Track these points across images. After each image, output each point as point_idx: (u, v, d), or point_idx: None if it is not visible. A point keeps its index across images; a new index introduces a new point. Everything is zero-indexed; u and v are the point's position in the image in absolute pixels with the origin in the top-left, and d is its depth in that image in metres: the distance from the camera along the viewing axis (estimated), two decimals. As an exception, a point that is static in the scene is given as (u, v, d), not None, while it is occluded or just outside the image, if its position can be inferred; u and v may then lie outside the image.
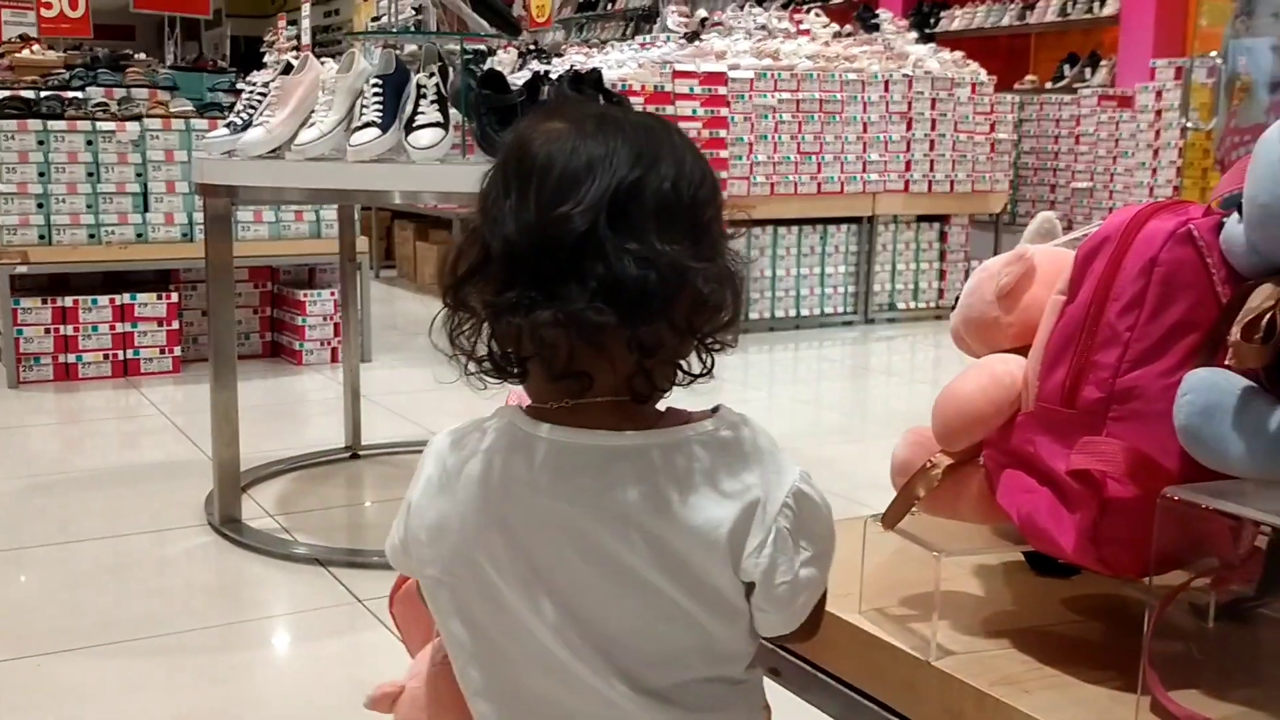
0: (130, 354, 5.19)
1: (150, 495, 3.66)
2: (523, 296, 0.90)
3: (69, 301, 5.07)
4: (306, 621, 2.85)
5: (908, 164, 6.76)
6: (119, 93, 5.67)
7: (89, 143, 5.11)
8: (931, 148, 6.82)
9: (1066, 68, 9.04)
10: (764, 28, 7.42)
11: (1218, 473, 0.87)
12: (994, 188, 7.10)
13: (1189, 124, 6.02)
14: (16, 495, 3.69)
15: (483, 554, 0.95)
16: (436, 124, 2.91)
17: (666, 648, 0.94)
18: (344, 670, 2.59)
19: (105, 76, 5.81)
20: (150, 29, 13.15)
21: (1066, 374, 0.96)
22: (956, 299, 1.14)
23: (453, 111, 2.97)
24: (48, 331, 5.04)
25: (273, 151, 3.08)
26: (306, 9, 4.06)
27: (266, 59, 9.15)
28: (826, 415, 5.05)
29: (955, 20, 9.88)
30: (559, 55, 8.22)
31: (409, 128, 2.92)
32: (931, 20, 10.00)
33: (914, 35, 7.83)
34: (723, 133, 6.15)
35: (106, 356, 5.15)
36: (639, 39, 8.51)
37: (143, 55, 6.91)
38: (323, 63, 3.28)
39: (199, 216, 4.71)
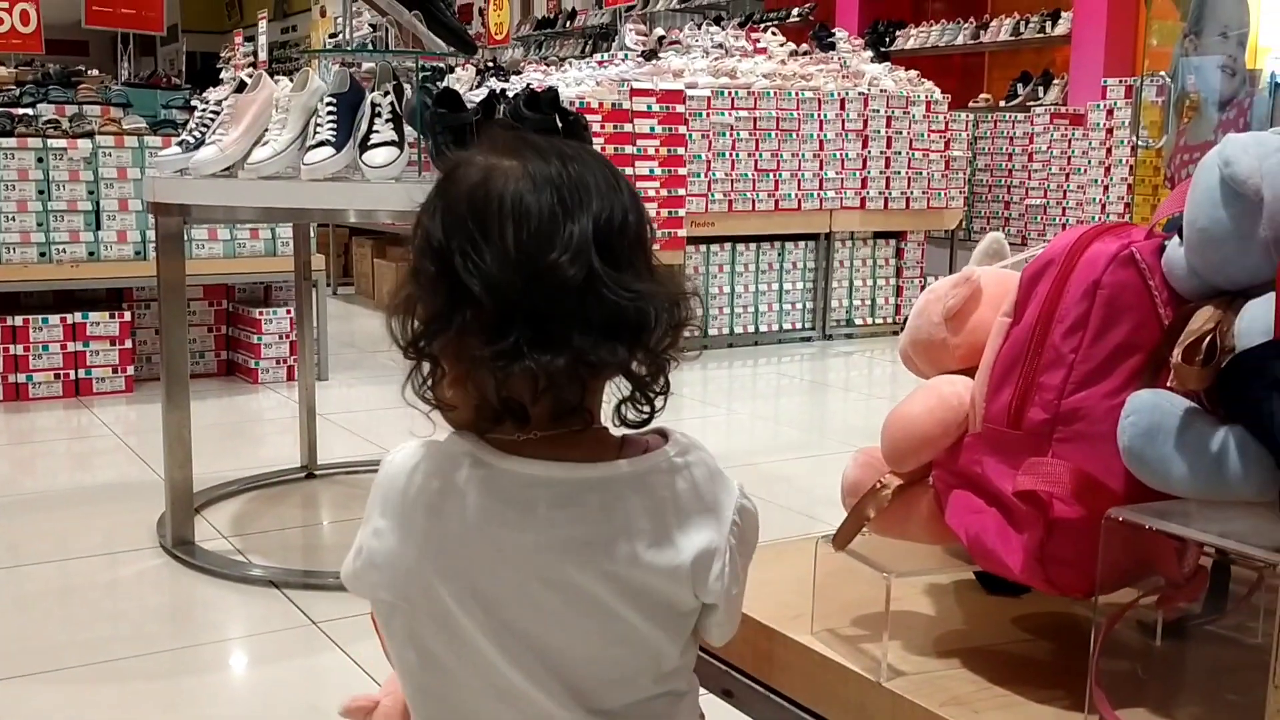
0: (82, 373, 5.12)
1: (101, 517, 3.61)
2: (524, 342, 0.89)
3: (19, 320, 5.00)
4: (261, 645, 2.82)
5: (864, 181, 6.81)
6: (71, 109, 5.61)
7: (40, 160, 5.05)
8: (887, 165, 6.88)
9: (1019, 86, 9.15)
10: (721, 46, 7.46)
11: (1162, 493, 0.88)
12: (949, 205, 7.16)
13: (1140, 142, 6.11)
14: (-36, 518, 3.63)
15: (440, 582, 0.94)
16: (391, 143, 2.90)
17: (621, 670, 0.96)
18: (299, 694, 2.56)
19: (56, 93, 5.76)
20: (104, 45, 13.03)
21: (1012, 395, 0.96)
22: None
23: (408, 130, 2.96)
24: (-3, 351, 4.98)
25: (226, 170, 3.05)
26: (263, 26, 4.04)
27: (223, 75, 9.09)
28: (785, 431, 5.07)
29: (910, 39, 9.99)
30: (517, 73, 8.23)
31: (364, 146, 2.90)
32: (887, 39, 10.10)
33: (869, 54, 7.90)
34: (680, 150, 6.17)
35: (58, 376, 5.08)
36: (597, 57, 8.54)
37: (95, 71, 6.85)
38: (277, 80, 3.26)
39: (152, 234, 4.66)
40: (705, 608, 0.98)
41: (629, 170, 5.90)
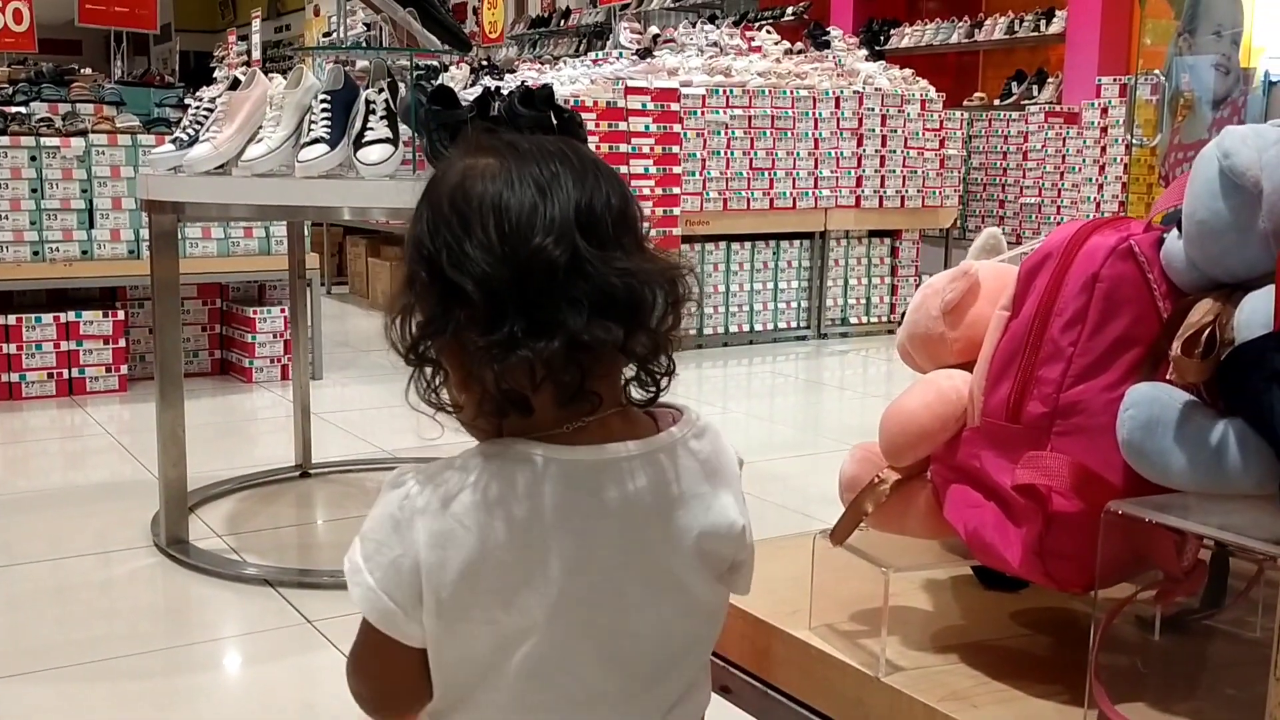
0: (75, 372, 5.11)
1: (95, 516, 3.60)
2: (519, 330, 0.90)
3: (12, 319, 4.98)
4: (256, 643, 2.81)
5: (859, 180, 6.81)
6: (64, 108, 5.60)
7: (33, 158, 5.03)
8: (882, 164, 6.88)
9: (1014, 85, 9.16)
10: (716, 45, 7.46)
11: (1161, 486, 0.87)
12: (944, 203, 7.17)
13: (1134, 140, 6.12)
14: (-43, 518, 3.62)
15: (528, 595, 0.93)
16: (386, 140, 2.89)
17: (689, 643, 1.01)
18: (295, 693, 2.56)
19: (50, 91, 5.75)
20: (97, 44, 12.99)
21: (1011, 389, 0.96)
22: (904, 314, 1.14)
23: (402, 127, 2.96)
24: (-10, 350, 4.96)
25: (220, 168, 3.05)
26: (257, 24, 4.03)
27: (217, 74, 9.08)
28: (780, 430, 5.07)
29: (905, 38, 9.99)
30: (511, 71, 8.22)
31: (358, 144, 2.90)
32: (881, 38, 10.11)
33: (864, 53, 7.90)
34: (675, 149, 6.17)
35: (51, 375, 5.07)
36: (591, 55, 8.53)
37: (89, 70, 6.83)
38: (271, 78, 3.26)
39: (145, 233, 4.65)
40: (736, 564, 1.03)
41: (624, 169, 5.89)
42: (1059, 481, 0.91)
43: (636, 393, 0.99)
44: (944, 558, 1.13)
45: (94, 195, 5.12)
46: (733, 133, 6.45)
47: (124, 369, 5.19)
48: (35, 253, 5.03)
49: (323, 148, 2.89)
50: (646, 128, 6.09)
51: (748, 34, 7.84)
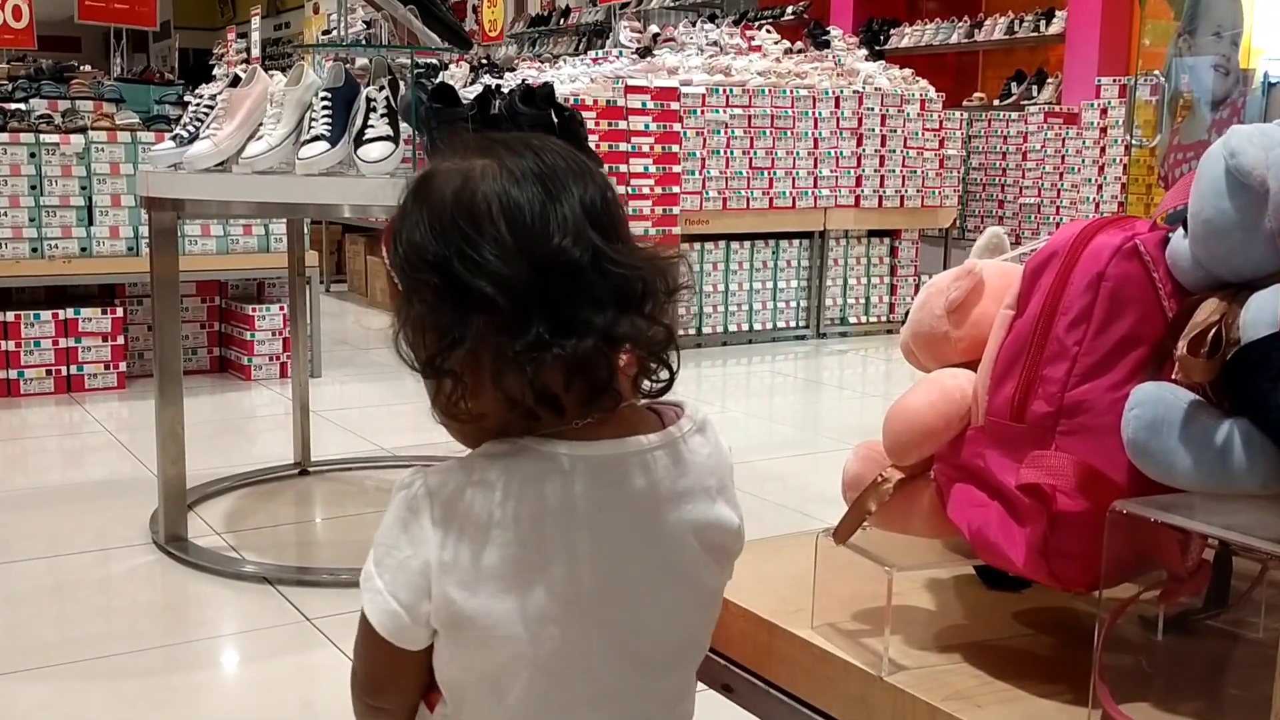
0: (74, 370, 5.10)
1: (94, 513, 3.60)
2: (546, 331, 0.89)
3: (10, 316, 4.98)
4: (254, 641, 2.81)
5: (858, 179, 6.81)
6: (63, 105, 5.60)
7: (32, 155, 5.03)
8: (882, 163, 6.88)
9: (1014, 85, 9.16)
10: (716, 44, 7.45)
11: (1165, 486, 0.87)
12: (943, 203, 7.17)
13: (1133, 141, 6.12)
14: (-45, 514, 3.61)
15: (537, 592, 0.92)
16: (386, 138, 2.89)
17: (694, 633, 1.03)
18: (293, 691, 2.55)
19: (49, 88, 5.74)
20: (96, 41, 12.98)
21: (1015, 388, 0.96)
22: (907, 313, 1.14)
23: (403, 125, 2.95)
24: (-11, 347, 4.96)
25: (220, 165, 3.04)
26: (256, 21, 4.03)
27: (216, 71, 9.07)
28: (779, 429, 5.07)
29: (905, 38, 9.99)
30: (511, 70, 8.21)
31: (359, 141, 2.90)
32: (881, 38, 10.10)
33: (864, 52, 7.90)
34: (675, 148, 6.17)
35: (49, 372, 5.06)
36: (591, 54, 8.53)
37: (88, 67, 6.82)
38: (271, 75, 3.25)
39: (145, 230, 4.64)
40: (734, 554, 1.05)
41: (624, 168, 5.89)
42: (1063, 481, 0.91)
43: (649, 383, 0.99)
44: (947, 557, 1.12)
45: (93, 192, 5.12)
46: (732, 132, 6.45)
47: (123, 366, 5.18)
48: (34, 249, 5.02)
49: (323, 145, 2.89)
50: (646, 127, 6.09)
51: (747, 33, 7.84)
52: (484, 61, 9.02)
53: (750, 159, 6.50)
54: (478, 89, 3.61)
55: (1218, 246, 0.87)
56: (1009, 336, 0.98)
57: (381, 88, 2.98)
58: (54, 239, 5.05)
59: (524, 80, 5.41)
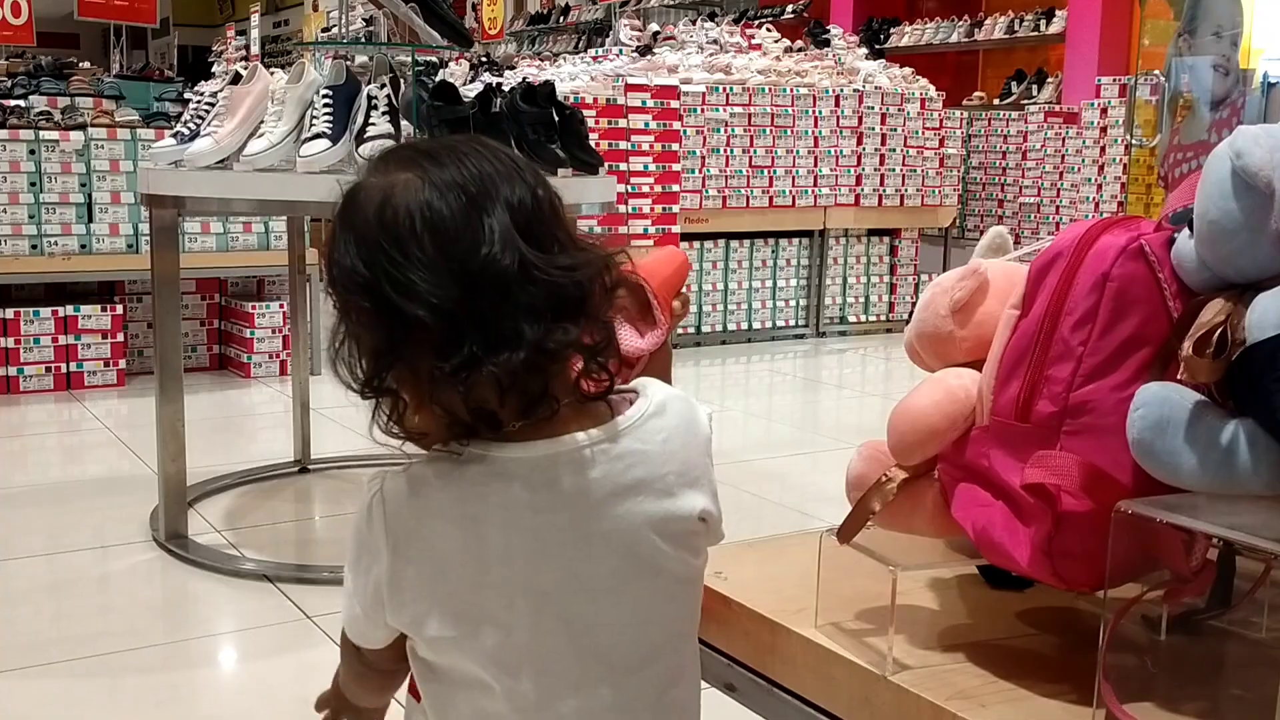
0: (73, 367, 5.10)
1: (93, 511, 3.60)
2: (479, 348, 0.88)
3: (10, 313, 4.97)
4: (254, 639, 2.80)
5: (858, 178, 6.81)
6: (63, 101, 5.59)
7: (31, 152, 5.03)
8: (882, 162, 6.88)
9: (1014, 84, 9.16)
10: (716, 42, 7.45)
11: (1170, 486, 0.87)
12: (943, 202, 7.17)
13: (1133, 140, 6.12)
14: (-46, 511, 3.61)
15: (488, 594, 0.94)
16: (388, 135, 2.89)
17: (665, 629, 1.00)
18: (293, 688, 2.55)
19: (49, 85, 5.73)
20: (95, 38, 12.96)
21: (1021, 388, 0.96)
22: (911, 312, 1.14)
23: (404, 123, 2.95)
24: (-12, 344, 4.95)
25: (221, 162, 3.04)
26: (255, 19, 4.02)
27: (215, 69, 9.06)
28: (778, 428, 5.07)
29: (905, 37, 9.99)
30: (510, 68, 8.20)
31: (360, 139, 2.89)
32: (881, 36, 10.10)
33: (864, 51, 7.90)
34: (675, 146, 6.16)
35: (49, 369, 5.06)
36: (591, 52, 8.52)
37: (87, 64, 6.82)
38: (272, 73, 3.25)
39: (145, 228, 4.64)
40: (713, 532, 1.03)
41: (623, 166, 5.89)
42: (1068, 481, 0.91)
43: (591, 385, 0.97)
44: (951, 557, 1.12)
45: (93, 189, 5.11)
46: (732, 130, 6.45)
47: (122, 364, 5.18)
48: (34, 246, 5.02)
49: (324, 143, 2.88)
50: (646, 125, 6.09)
51: (747, 31, 7.83)
52: (484, 60, 9.02)
53: (750, 158, 6.49)
54: (478, 87, 3.61)
55: (1223, 247, 0.87)
56: (1014, 336, 0.98)
57: (383, 85, 2.98)
58: (54, 236, 5.05)
59: (524, 79, 5.40)
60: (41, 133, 5.06)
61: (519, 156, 0.97)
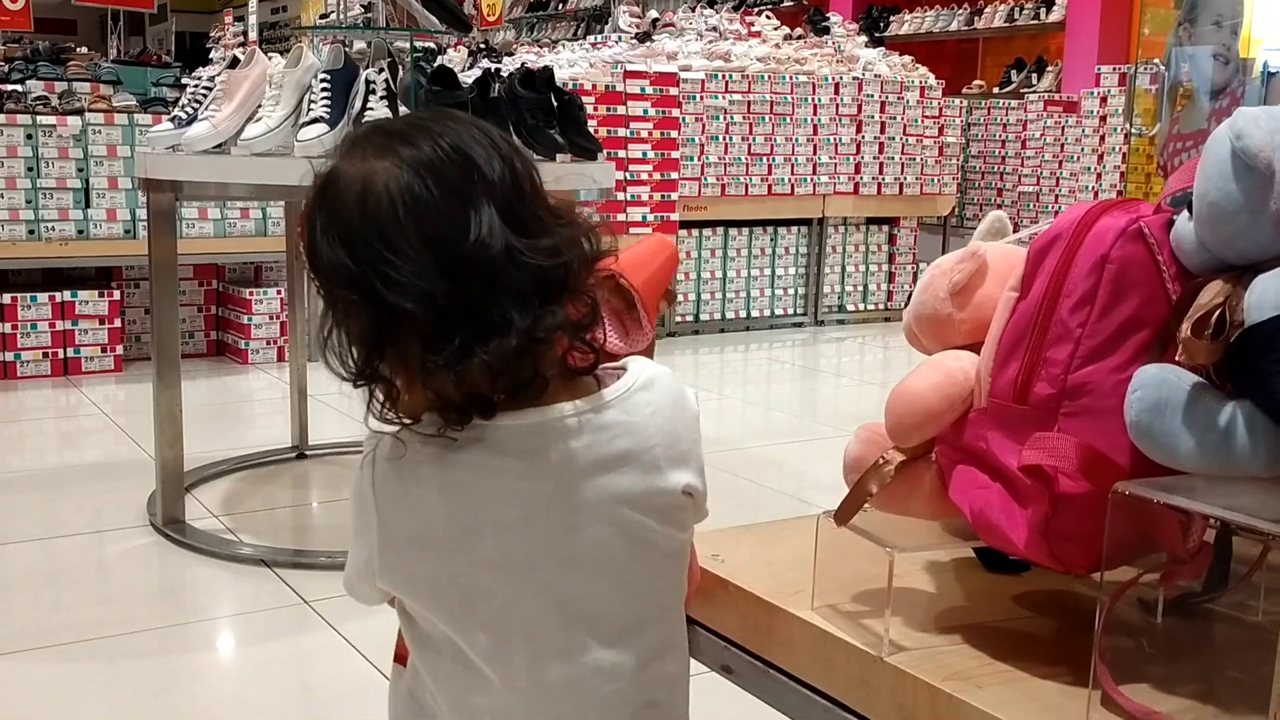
0: (70, 352, 5.09)
1: (90, 496, 3.60)
2: (469, 338, 0.88)
3: (7, 298, 4.97)
4: (252, 623, 2.81)
5: (857, 166, 6.80)
6: (60, 86, 5.57)
7: (29, 136, 5.01)
8: (881, 150, 6.87)
9: (1013, 73, 9.15)
10: (715, 29, 7.43)
11: (1168, 468, 0.87)
12: (942, 191, 7.16)
13: (1133, 129, 6.12)
14: (-48, 496, 3.61)
15: (471, 558, 0.94)
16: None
17: (650, 601, 1.00)
18: (291, 673, 2.56)
19: (46, 69, 5.72)
20: (92, 23, 12.93)
21: (1019, 370, 0.96)
22: (908, 299, 1.14)
23: (402, 108, 2.94)
24: (-15, 329, 4.95)
25: (218, 146, 3.03)
26: (253, 5, 4.01)
27: (213, 55, 9.03)
28: (776, 416, 5.07)
29: (904, 25, 9.97)
30: (509, 54, 8.18)
31: (358, 124, 2.89)
32: (881, 24, 10.08)
33: (863, 39, 7.88)
34: (674, 133, 6.15)
35: (46, 355, 5.05)
36: (590, 39, 8.50)
37: (84, 49, 6.80)
38: (270, 57, 3.24)
39: (142, 213, 4.63)
40: (698, 507, 1.04)
41: (622, 153, 5.88)
42: (1066, 462, 0.91)
43: (578, 360, 0.97)
44: (948, 539, 1.12)
45: (90, 174, 5.10)
46: (731, 118, 6.44)
47: (119, 349, 5.17)
48: (31, 231, 5.01)
49: (322, 127, 2.88)
50: (645, 112, 6.08)
51: (747, 19, 7.81)
52: (482, 46, 8.99)
53: (749, 145, 6.48)
54: (477, 73, 3.60)
55: (1223, 229, 0.87)
56: (1012, 318, 0.98)
57: (381, 70, 2.97)
58: (51, 221, 5.04)
59: (524, 64, 5.39)
60: (39, 117, 5.05)
61: (490, 127, 0.95)
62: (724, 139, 6.41)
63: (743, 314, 6.63)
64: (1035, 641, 1.03)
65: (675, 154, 6.16)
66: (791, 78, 6.62)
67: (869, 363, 6.37)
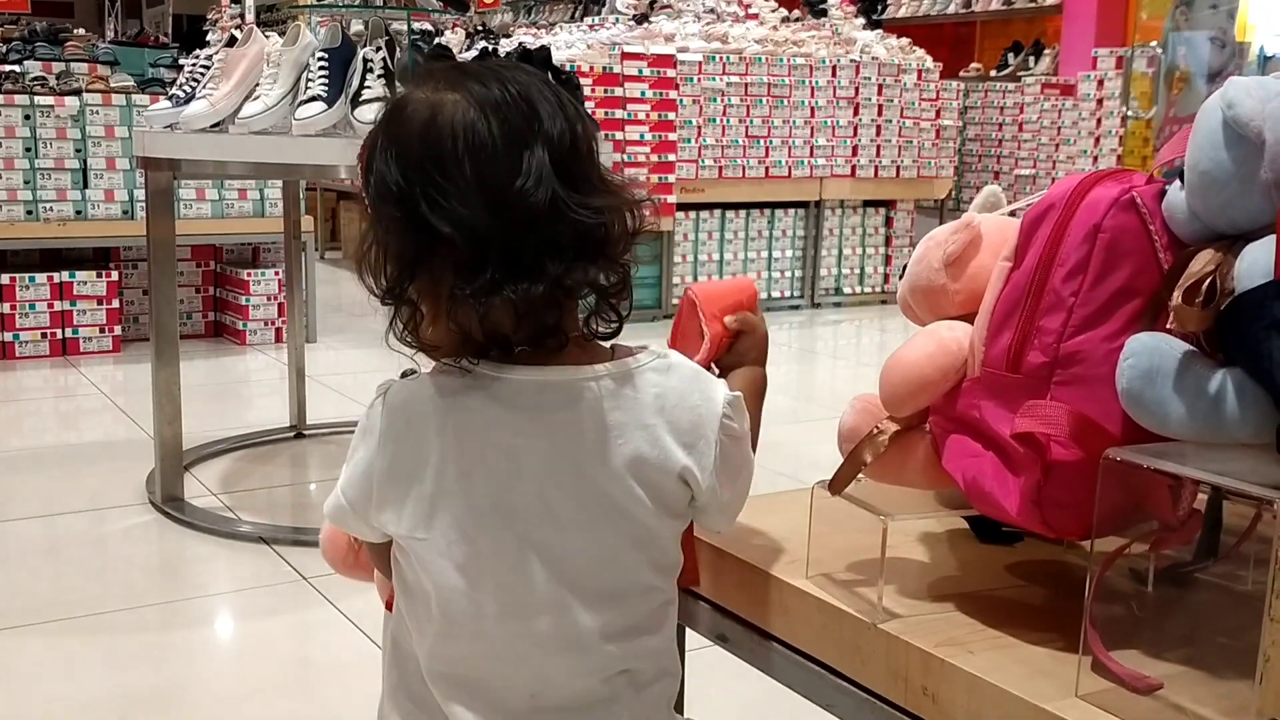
0: (69, 333, 5.10)
1: (90, 475, 3.61)
2: (500, 275, 0.90)
3: (5, 279, 4.97)
4: (251, 599, 2.82)
5: (854, 149, 6.80)
6: (58, 67, 5.56)
7: (27, 117, 5.01)
8: (878, 133, 6.86)
9: (1010, 56, 9.13)
10: (713, 11, 7.42)
11: (1159, 436, 0.88)
12: (939, 173, 7.16)
13: (1129, 113, 6.12)
14: (-49, 475, 3.62)
15: (458, 501, 0.96)
16: (382, 98, 2.88)
17: (631, 574, 1.00)
18: (289, 648, 2.57)
19: (44, 50, 5.70)
20: (90, 4, 12.89)
21: (1012, 339, 0.97)
22: (903, 271, 1.15)
23: (399, 86, 2.94)
24: (-17, 309, 4.95)
25: (216, 125, 3.03)
26: (251, -16, 4.00)
27: (210, 37, 9.00)
28: (773, 398, 5.02)
29: (902, 7, 9.94)
30: (507, 36, 8.16)
31: (355, 102, 2.89)
32: (878, 6, 10.06)
33: (861, 21, 7.87)
34: (671, 115, 6.15)
35: (44, 335, 5.06)
36: (588, 20, 8.47)
37: (82, 30, 6.78)
38: (268, 36, 3.24)
39: (140, 194, 4.63)
40: (701, 505, 1.03)
41: (619, 135, 5.88)
42: (1058, 430, 0.92)
43: (600, 325, 0.99)
44: (941, 508, 1.14)
45: (88, 155, 5.10)
46: (729, 100, 6.43)
47: (118, 330, 5.18)
48: (29, 212, 5.01)
49: (320, 105, 2.88)
50: (643, 94, 6.07)
51: (745, 1, 7.80)
52: (480, 28, 8.97)
53: (746, 127, 6.48)
54: (474, 54, 3.60)
55: (1214, 198, 0.88)
56: (1006, 288, 0.99)
57: (378, 48, 2.97)
58: (49, 201, 5.03)
59: (521, 44, 5.38)
60: (36, 98, 5.04)
61: (560, 89, 0.98)
62: (721, 121, 6.41)
63: (740, 296, 6.62)
64: (1026, 609, 1.04)
65: (673, 136, 6.15)
66: (789, 60, 6.61)
67: (865, 345, 6.38)
